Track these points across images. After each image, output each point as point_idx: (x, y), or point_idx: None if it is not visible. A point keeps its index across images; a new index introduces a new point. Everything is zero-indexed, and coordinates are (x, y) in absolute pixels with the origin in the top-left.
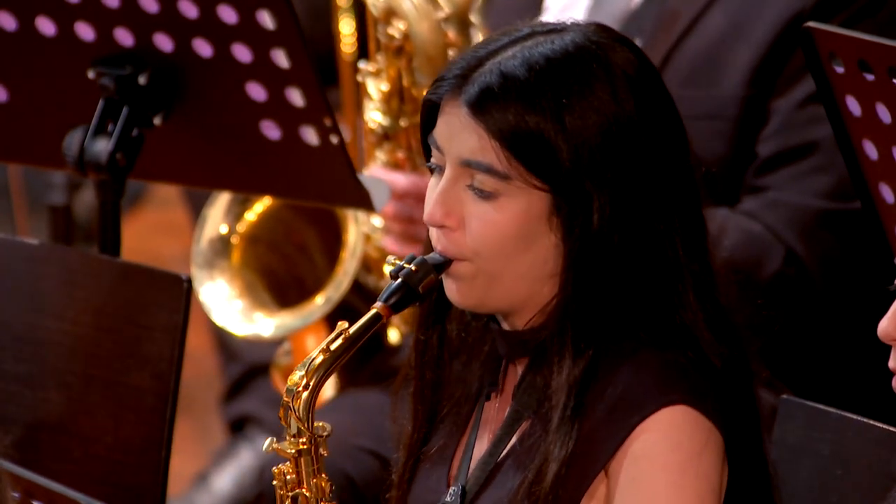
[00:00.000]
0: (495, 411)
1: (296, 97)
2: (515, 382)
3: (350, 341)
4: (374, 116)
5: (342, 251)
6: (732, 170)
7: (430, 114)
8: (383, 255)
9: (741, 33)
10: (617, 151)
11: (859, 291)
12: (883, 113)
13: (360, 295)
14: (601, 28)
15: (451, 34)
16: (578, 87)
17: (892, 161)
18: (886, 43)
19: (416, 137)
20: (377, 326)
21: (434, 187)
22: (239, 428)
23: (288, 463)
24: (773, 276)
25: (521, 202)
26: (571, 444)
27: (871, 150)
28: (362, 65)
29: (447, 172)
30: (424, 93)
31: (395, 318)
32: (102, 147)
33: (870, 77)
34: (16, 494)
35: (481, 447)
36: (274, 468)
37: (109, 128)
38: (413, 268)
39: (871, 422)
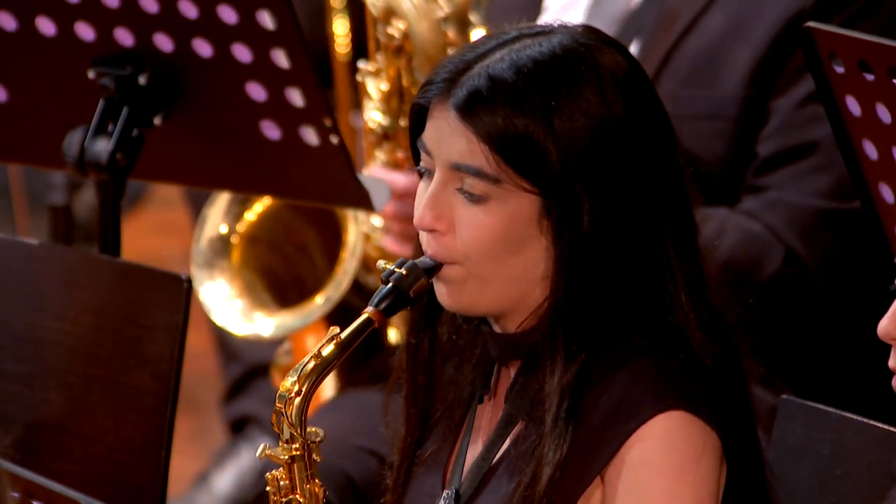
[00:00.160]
0: (488, 414)
1: (296, 97)
2: (508, 385)
3: (342, 346)
4: (374, 116)
5: (342, 251)
6: (732, 169)
7: (418, 117)
8: (383, 254)
9: (741, 33)
10: (606, 153)
11: (859, 291)
12: (883, 113)
13: (359, 295)
14: (589, 30)
15: (451, 34)
16: (566, 89)
17: (892, 161)
18: (886, 43)
19: None
20: (368, 331)
21: (424, 191)
22: (239, 428)
23: (281, 469)
24: (773, 275)
25: (511, 205)
26: (566, 447)
27: (870, 150)
28: (362, 64)
29: (437, 176)
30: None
31: (395, 318)
32: (102, 147)
33: (870, 77)
34: (16, 494)
35: (475, 451)
36: (267, 474)
37: (109, 128)
38: (404, 272)
39: (871, 422)
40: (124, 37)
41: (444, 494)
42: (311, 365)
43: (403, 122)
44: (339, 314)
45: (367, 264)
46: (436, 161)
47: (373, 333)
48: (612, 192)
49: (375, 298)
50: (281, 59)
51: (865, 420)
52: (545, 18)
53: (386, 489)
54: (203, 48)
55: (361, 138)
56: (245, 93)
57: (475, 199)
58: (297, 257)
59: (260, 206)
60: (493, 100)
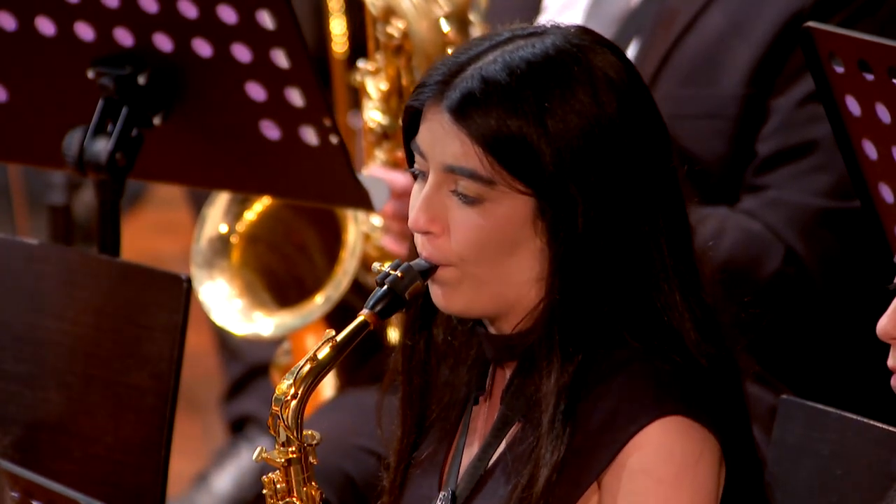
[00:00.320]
0: (484, 416)
1: (295, 97)
2: (503, 386)
3: (337, 349)
4: (374, 116)
5: (342, 250)
6: (732, 169)
7: (412, 120)
8: (383, 254)
9: (740, 32)
10: (600, 154)
11: (859, 290)
12: (882, 113)
13: (359, 294)
14: (582, 31)
15: (451, 33)
16: (560, 90)
17: (892, 161)
18: (886, 43)
19: None
20: (364, 334)
21: (418, 193)
22: (239, 428)
23: (278, 472)
24: (772, 275)
25: (506, 207)
26: (563, 449)
27: (870, 149)
28: (361, 64)
29: (431, 178)
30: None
31: (395, 318)
32: (102, 147)
33: (869, 77)
34: (15, 494)
35: (470, 452)
36: (264, 477)
37: (109, 128)
38: (399, 274)
39: (871, 422)
40: (124, 37)
41: (441, 496)
42: (307, 368)
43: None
44: (339, 314)
45: (366, 264)
46: (430, 163)
47: (371, 333)
48: (606, 193)
49: (371, 301)
50: (280, 58)
51: (865, 420)
52: (545, 18)
53: (382, 491)
54: (203, 48)
55: (360, 138)
56: (245, 93)
57: (469, 200)
58: (296, 257)
59: (259, 205)
60: (487, 101)
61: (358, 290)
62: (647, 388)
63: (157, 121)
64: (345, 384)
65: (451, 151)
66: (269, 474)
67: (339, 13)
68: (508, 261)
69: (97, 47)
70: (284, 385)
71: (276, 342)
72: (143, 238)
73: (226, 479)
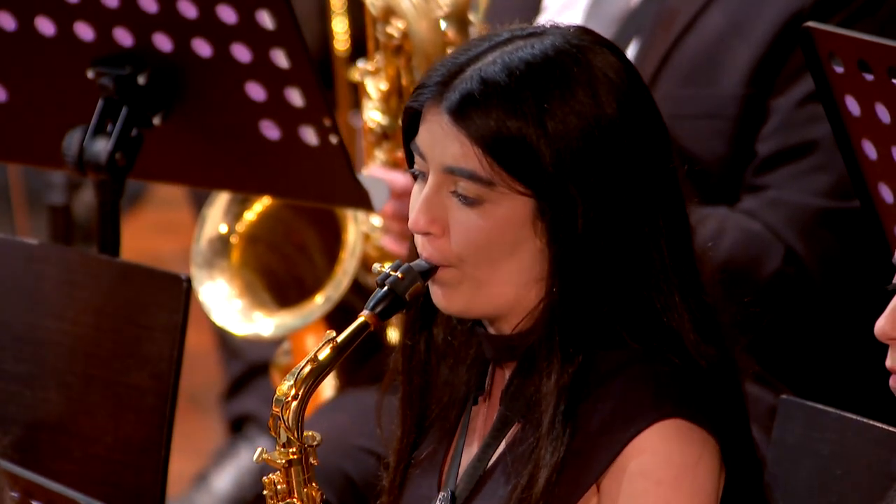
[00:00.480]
0: (483, 416)
1: (295, 97)
2: (502, 387)
3: (338, 350)
4: (373, 116)
5: (341, 251)
6: (732, 169)
7: (411, 121)
8: (383, 254)
9: (740, 32)
10: (599, 154)
11: (859, 290)
12: (882, 113)
13: (359, 294)
14: (582, 31)
15: (450, 33)
16: (559, 90)
17: (892, 161)
18: (886, 43)
19: None
20: (364, 335)
21: (418, 194)
22: (239, 427)
23: (278, 472)
24: (772, 274)
25: (506, 208)
26: (563, 449)
27: (870, 149)
28: (361, 64)
29: (431, 179)
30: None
31: (395, 318)
32: (102, 147)
33: (869, 77)
34: (15, 494)
35: (470, 452)
36: (264, 478)
37: (109, 128)
38: (399, 275)
39: (871, 422)
40: (123, 37)
41: (440, 497)
42: (308, 369)
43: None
44: (339, 314)
45: (366, 264)
46: (429, 164)
47: (371, 334)
48: (606, 194)
49: (371, 302)
50: (280, 58)
51: (865, 420)
52: (544, 18)
53: (382, 490)
54: (202, 48)
55: (360, 138)
56: (244, 93)
57: (469, 201)
58: (296, 257)
59: (259, 205)
60: (486, 102)
61: (358, 291)
62: (647, 390)
63: (156, 121)
64: (344, 384)
65: (450, 152)
66: (270, 475)
67: (341, 12)
68: (508, 261)
69: (97, 47)
70: (285, 386)
71: (276, 342)
72: (143, 238)
73: (225, 478)
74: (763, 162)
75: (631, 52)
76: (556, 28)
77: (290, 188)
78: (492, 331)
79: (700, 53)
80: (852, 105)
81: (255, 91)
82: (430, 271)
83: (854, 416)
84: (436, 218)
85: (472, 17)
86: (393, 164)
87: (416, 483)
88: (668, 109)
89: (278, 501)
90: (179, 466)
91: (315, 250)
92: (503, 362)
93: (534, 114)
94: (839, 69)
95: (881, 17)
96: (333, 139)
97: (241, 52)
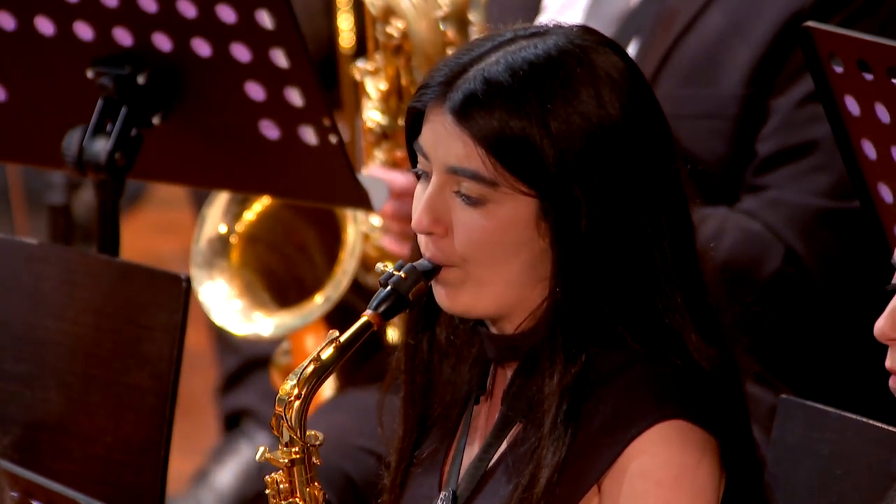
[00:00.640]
0: (484, 415)
1: (295, 97)
2: (504, 386)
3: (341, 350)
4: (373, 115)
5: (341, 251)
6: (732, 168)
7: (414, 121)
8: (382, 254)
9: (740, 32)
10: (603, 155)
11: (858, 291)
12: (882, 113)
13: (359, 294)
14: (585, 31)
15: (450, 33)
16: (562, 90)
17: (891, 161)
18: (886, 43)
19: None
20: (368, 334)
21: (421, 194)
22: (235, 422)
23: (281, 472)
24: (772, 274)
25: (509, 208)
26: (564, 449)
27: (869, 149)
28: (360, 64)
29: (434, 179)
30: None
31: (396, 318)
32: (101, 147)
33: (869, 77)
34: (15, 494)
35: (471, 452)
36: (266, 477)
37: (108, 127)
38: (402, 275)
39: (871, 422)
40: (123, 36)
41: (442, 496)
42: (311, 368)
43: (402, 122)
44: (339, 314)
45: (366, 264)
46: (433, 164)
47: (372, 334)
48: (609, 194)
49: (374, 302)
50: (280, 58)
51: (865, 420)
52: (544, 18)
53: (383, 490)
54: (202, 48)
55: (360, 138)
56: (244, 92)
57: (472, 202)
58: (296, 257)
59: (259, 205)
60: (489, 103)
61: (357, 291)
62: (648, 391)
63: (156, 120)
64: (344, 384)
65: (453, 153)
66: (272, 474)
67: (347, 9)
68: (511, 262)
69: (97, 47)
70: (288, 385)
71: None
72: (143, 238)
73: (227, 475)
74: (763, 162)
75: (631, 52)
76: (559, 28)
77: (290, 188)
78: (494, 330)
79: (700, 53)
80: (852, 105)
81: (255, 91)
82: (433, 271)
83: (854, 416)
84: (439, 218)
85: (471, 17)
86: (392, 164)
87: (417, 482)
88: (668, 109)
89: (281, 501)
90: (179, 466)
91: (315, 250)
92: (505, 362)
93: (537, 114)
94: (839, 69)
95: (882, 16)
96: (333, 139)
97: (241, 52)
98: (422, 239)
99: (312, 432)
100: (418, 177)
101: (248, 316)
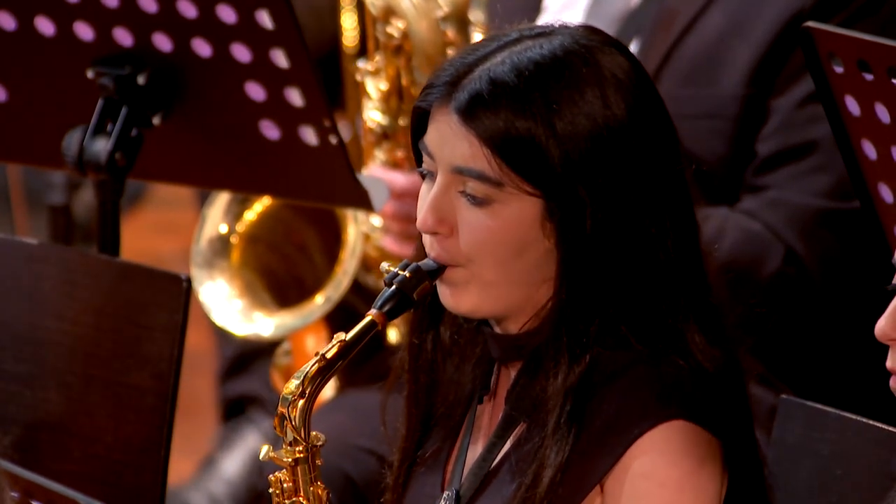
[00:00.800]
0: (488, 415)
1: (295, 97)
2: (508, 386)
3: (345, 349)
4: (373, 116)
5: (342, 251)
6: (732, 169)
7: (420, 120)
8: (383, 254)
9: (741, 32)
10: (608, 155)
11: (859, 291)
12: (882, 113)
13: (359, 295)
14: (590, 30)
15: (450, 33)
16: (568, 91)
17: (891, 161)
18: (886, 43)
19: None
20: (372, 334)
21: (426, 193)
22: (239, 409)
23: (284, 471)
24: (772, 275)
25: (514, 208)
26: (568, 449)
27: (869, 149)
28: (361, 64)
29: (439, 179)
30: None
31: (396, 318)
32: (101, 147)
33: (869, 77)
34: (15, 494)
35: (475, 451)
36: (270, 476)
37: (108, 128)
38: (407, 274)
39: (871, 422)
40: (123, 37)
41: (445, 495)
42: (315, 368)
43: (402, 122)
44: (339, 314)
45: (366, 264)
46: (438, 164)
47: (369, 340)
48: (614, 194)
49: (379, 301)
50: (280, 58)
51: (865, 420)
52: (545, 18)
53: (385, 488)
54: (202, 48)
55: (360, 137)
56: (244, 93)
57: (478, 202)
58: (296, 257)
59: (259, 205)
60: (495, 103)
61: (358, 291)
62: (651, 391)
63: (156, 121)
64: (344, 385)
65: (459, 153)
66: (276, 473)
67: (350, 7)
68: (516, 262)
69: (97, 47)
70: (292, 385)
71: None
72: (143, 238)
73: (235, 463)
74: (763, 162)
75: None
76: (564, 28)
77: (290, 188)
78: (498, 330)
79: (700, 53)
80: (852, 105)
81: (255, 91)
82: (438, 271)
83: (854, 416)
84: (444, 218)
85: (472, 17)
86: (393, 165)
87: (420, 481)
88: (669, 109)
89: (284, 499)
90: (179, 466)
91: (315, 250)
92: (509, 362)
93: (542, 114)
94: (839, 69)
95: (882, 17)
96: (333, 139)
97: (241, 52)
98: (426, 239)
99: (315, 433)
100: (423, 176)
101: (248, 316)
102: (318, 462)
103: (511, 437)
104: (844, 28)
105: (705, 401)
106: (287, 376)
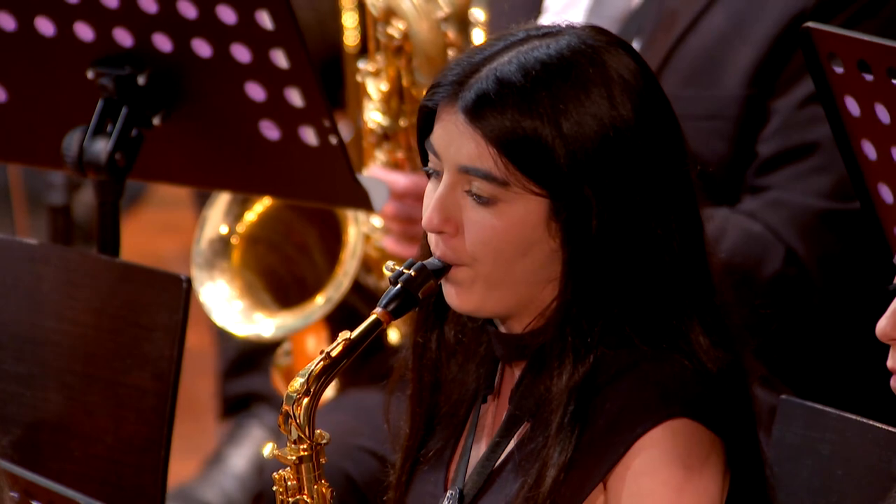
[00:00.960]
0: (492, 414)
1: (295, 97)
2: (512, 385)
3: (350, 347)
4: (374, 116)
5: (342, 251)
6: (733, 169)
7: (426, 119)
8: (383, 255)
9: (742, 33)
10: (614, 155)
11: (859, 291)
12: (882, 113)
13: (360, 295)
14: (597, 31)
15: (451, 34)
16: (574, 91)
17: (891, 161)
18: (886, 43)
19: (415, 138)
20: (377, 332)
21: (432, 192)
22: (240, 406)
23: (288, 469)
24: (773, 275)
25: (520, 208)
26: (571, 449)
27: (869, 150)
28: (362, 65)
29: (445, 178)
30: (424, 93)
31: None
32: (101, 147)
33: (869, 77)
34: (15, 494)
35: (478, 450)
36: (274, 474)
37: (108, 128)
38: (412, 273)
39: (871, 422)
40: (123, 37)
41: (448, 494)
42: (320, 366)
43: (403, 123)
44: (340, 315)
45: (367, 265)
46: (444, 163)
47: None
48: (620, 195)
49: (384, 299)
50: (280, 59)
51: (865, 420)
52: (546, 19)
53: (388, 487)
54: (202, 48)
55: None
56: (244, 93)
57: (484, 201)
58: (297, 258)
59: (260, 206)
60: (502, 102)
61: (359, 291)
62: (655, 390)
63: (156, 121)
64: (345, 385)
65: (465, 152)
66: (280, 471)
67: (352, 7)
68: (522, 261)
69: (97, 48)
70: (297, 383)
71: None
72: (143, 238)
73: (242, 458)
74: (764, 163)
75: None
76: (571, 28)
77: (290, 188)
78: (503, 329)
79: (701, 54)
80: (852, 105)
81: (255, 91)
82: (443, 270)
83: (854, 417)
84: (449, 217)
85: (472, 18)
86: (393, 165)
87: (423, 480)
88: None
89: (288, 497)
90: (179, 466)
91: (316, 251)
92: (513, 361)
93: (549, 114)
94: (839, 69)
95: (882, 18)
96: (333, 139)
97: (241, 53)
98: (432, 238)
99: (319, 431)
100: (429, 176)
101: (249, 317)
102: (323, 460)
103: (515, 437)
104: (845, 29)
105: (709, 400)
106: (287, 377)
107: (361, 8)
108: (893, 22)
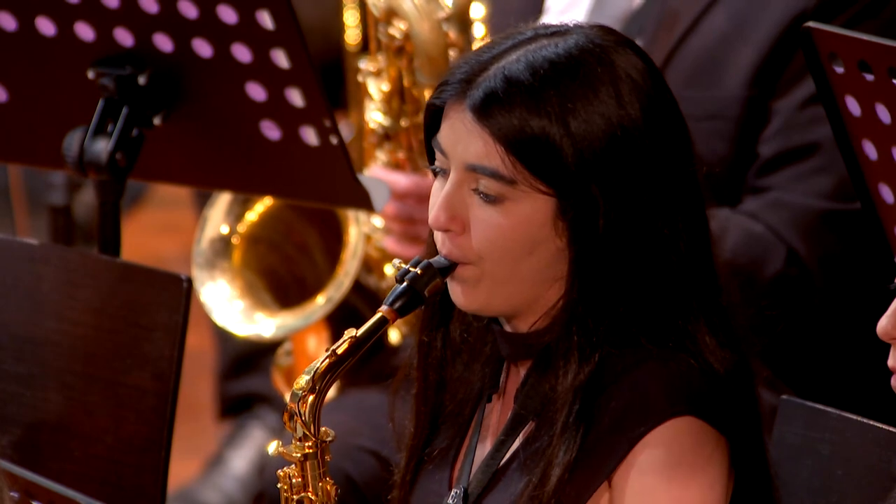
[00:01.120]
0: (497, 413)
1: (295, 97)
2: (517, 384)
3: (356, 345)
4: (375, 117)
5: (343, 251)
6: (734, 170)
7: (433, 117)
8: (384, 255)
9: (743, 33)
10: (622, 155)
11: (860, 291)
12: (882, 113)
13: (360, 295)
14: (605, 30)
15: (452, 34)
16: (582, 90)
17: (892, 161)
18: (886, 43)
19: (416, 137)
20: (383, 330)
21: (438, 191)
22: (243, 406)
23: (293, 466)
24: (774, 276)
25: (527, 206)
26: (576, 448)
27: (870, 150)
28: (363, 65)
29: (452, 176)
30: (425, 93)
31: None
32: (102, 147)
33: (869, 77)
34: (15, 494)
35: (483, 449)
36: (279, 471)
37: (109, 128)
38: (419, 271)
39: (871, 422)
40: (124, 37)
41: (453, 493)
42: (326, 363)
43: (404, 123)
44: (341, 315)
45: (368, 265)
46: (451, 161)
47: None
48: (627, 195)
49: (390, 297)
50: (281, 59)
51: (865, 420)
52: (547, 19)
53: (393, 486)
54: (203, 48)
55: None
56: (245, 93)
57: (490, 199)
58: (298, 258)
59: (261, 206)
60: (510, 101)
61: (359, 291)
62: (659, 388)
63: (157, 121)
64: (346, 385)
65: (472, 150)
66: (285, 468)
67: (353, 5)
68: (528, 260)
69: (97, 47)
70: (302, 381)
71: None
72: (143, 238)
73: (243, 459)
74: (765, 163)
75: None
76: (579, 27)
77: (291, 188)
78: (508, 328)
79: (703, 54)
80: (853, 105)
81: (256, 91)
82: (449, 268)
83: (854, 416)
84: (456, 215)
85: (473, 18)
86: (395, 165)
87: (428, 479)
88: None
89: (293, 495)
90: (180, 466)
91: (316, 251)
92: (518, 360)
93: (557, 113)
94: (840, 69)
95: (883, 19)
96: (334, 139)
97: (242, 53)
98: (438, 236)
99: (324, 428)
100: (435, 174)
101: (249, 317)
102: (328, 458)
103: (520, 436)
104: (845, 29)
105: (714, 399)
106: (288, 377)
107: (363, 8)
108: (894, 22)
